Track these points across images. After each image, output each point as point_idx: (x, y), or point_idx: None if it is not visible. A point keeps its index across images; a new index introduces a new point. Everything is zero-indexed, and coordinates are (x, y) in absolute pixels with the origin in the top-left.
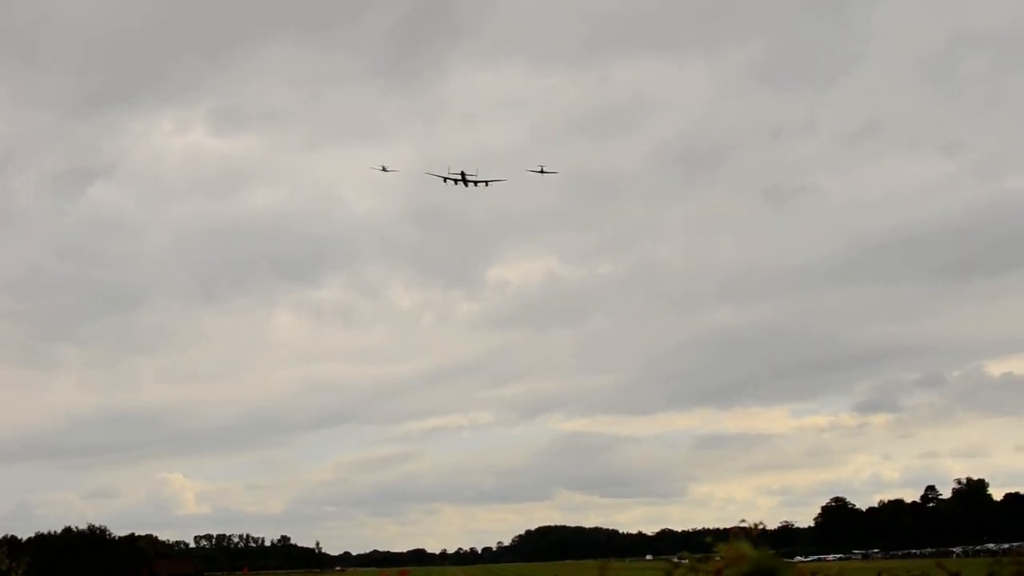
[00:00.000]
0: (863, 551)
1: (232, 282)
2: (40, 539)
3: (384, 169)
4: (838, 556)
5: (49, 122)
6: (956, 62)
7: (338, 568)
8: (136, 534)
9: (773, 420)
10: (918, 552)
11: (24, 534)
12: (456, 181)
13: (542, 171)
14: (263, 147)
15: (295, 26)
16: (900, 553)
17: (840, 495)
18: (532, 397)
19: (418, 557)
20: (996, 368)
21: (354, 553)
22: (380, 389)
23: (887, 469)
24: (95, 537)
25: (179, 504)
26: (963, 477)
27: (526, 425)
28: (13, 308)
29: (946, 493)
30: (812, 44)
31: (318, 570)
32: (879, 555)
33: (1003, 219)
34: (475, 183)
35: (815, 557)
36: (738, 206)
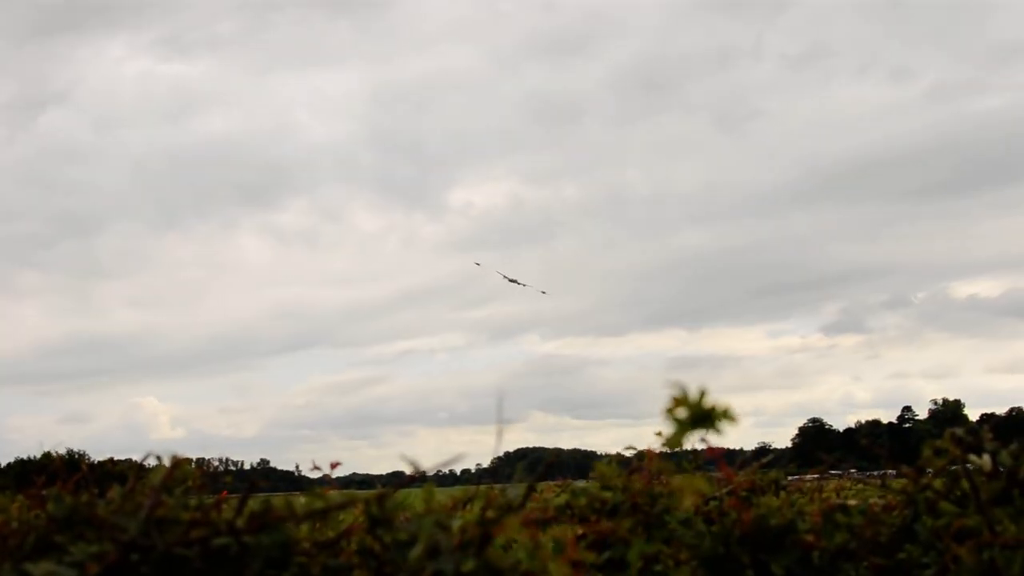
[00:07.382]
0: (839, 471)
1: (192, 207)
2: (20, 463)
3: (478, 264)
4: (814, 476)
5: None
6: None
7: (319, 489)
8: (115, 458)
9: (748, 341)
10: (895, 473)
11: (3, 459)
12: (509, 280)
13: (517, 282)
14: (214, 73)
15: None
16: (877, 473)
17: (815, 416)
18: (502, 320)
19: (396, 479)
20: (961, 290)
21: (333, 476)
22: (348, 312)
23: (859, 390)
24: (74, 461)
25: (154, 428)
26: (938, 397)
27: (497, 347)
28: None
29: (922, 413)
30: None
31: (299, 493)
32: (855, 474)
33: (964, 142)
34: (515, 282)
35: (795, 477)
36: (694, 131)
